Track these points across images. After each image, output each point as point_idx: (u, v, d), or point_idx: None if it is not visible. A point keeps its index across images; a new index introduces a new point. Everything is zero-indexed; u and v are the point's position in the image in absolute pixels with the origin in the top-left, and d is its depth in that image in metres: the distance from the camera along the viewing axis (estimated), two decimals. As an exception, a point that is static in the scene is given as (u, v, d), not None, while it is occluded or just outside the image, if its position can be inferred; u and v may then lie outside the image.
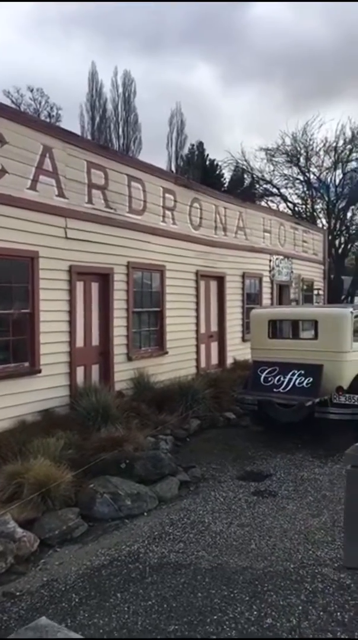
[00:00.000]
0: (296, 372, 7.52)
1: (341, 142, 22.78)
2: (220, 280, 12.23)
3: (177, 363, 10.26)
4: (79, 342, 8.00)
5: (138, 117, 31.65)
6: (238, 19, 47.96)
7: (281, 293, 15.44)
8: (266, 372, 7.79)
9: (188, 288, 10.93)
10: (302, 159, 23.55)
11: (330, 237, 21.76)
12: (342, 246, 24.32)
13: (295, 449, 7.24)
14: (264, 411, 7.66)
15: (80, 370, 8.05)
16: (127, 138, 32.90)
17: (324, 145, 22.99)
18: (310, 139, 23.06)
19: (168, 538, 4.51)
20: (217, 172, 33.89)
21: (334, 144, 22.78)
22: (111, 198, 8.56)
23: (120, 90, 30.98)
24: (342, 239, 24.67)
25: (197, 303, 11.23)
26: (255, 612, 3.34)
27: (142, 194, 9.35)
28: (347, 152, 22.72)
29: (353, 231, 24.26)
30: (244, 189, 26.94)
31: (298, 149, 23.36)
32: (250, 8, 49.35)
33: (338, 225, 24.11)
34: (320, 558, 4.09)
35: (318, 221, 24.34)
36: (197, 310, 11.23)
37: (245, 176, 27.64)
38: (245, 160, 24.71)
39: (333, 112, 50.83)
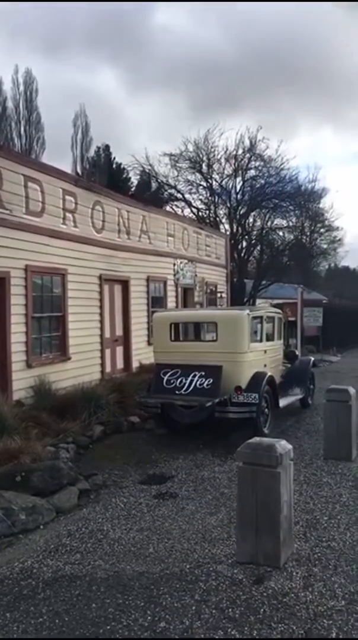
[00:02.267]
0: (197, 373, 7.66)
1: (240, 151, 23.75)
2: (125, 284, 12.17)
3: (81, 369, 10.04)
4: (-28, 350, 7.56)
5: (41, 117, 30.75)
6: (140, 26, 48.46)
7: (186, 296, 15.71)
8: (168, 374, 7.86)
9: (92, 292, 10.75)
10: (204, 166, 24.21)
11: (232, 242, 22.55)
12: (244, 251, 25.30)
13: (197, 450, 7.37)
14: (167, 413, 7.72)
15: (-27, 380, 7.60)
16: (29, 138, 31.84)
17: (225, 153, 23.83)
18: (211, 147, 23.78)
19: (64, 550, 4.37)
20: (124, 175, 33.79)
21: (234, 153, 23.69)
22: (6, 198, 8.19)
23: (22, 88, 29.94)
24: (244, 243, 25.68)
25: (101, 307, 11.08)
26: (149, 617, 3.32)
27: (40, 195, 9.05)
28: (246, 161, 23.72)
29: (254, 236, 25.34)
30: (151, 193, 27.17)
31: (201, 156, 24.01)
32: (152, 16, 50.00)
33: (240, 230, 25.06)
34: (215, 556, 4.17)
35: (221, 226, 25.15)
36: (101, 314, 11.09)
37: (152, 181, 27.88)
38: (150, 165, 24.94)
39: (233, 122, 52.98)
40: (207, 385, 7.54)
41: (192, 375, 7.67)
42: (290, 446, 4.09)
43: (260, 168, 24.04)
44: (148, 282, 13.16)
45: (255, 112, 48.67)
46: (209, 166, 24.17)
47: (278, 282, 26.01)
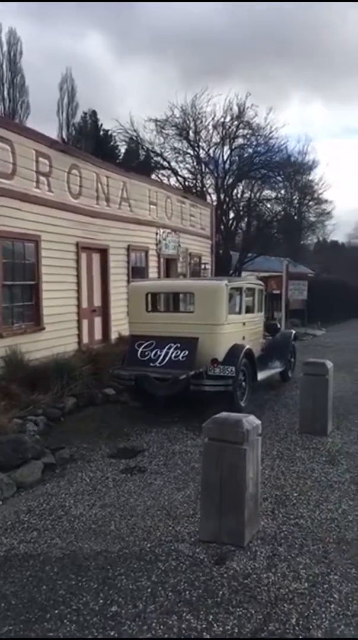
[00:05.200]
0: (172, 345, 7.42)
1: (228, 118, 23.06)
2: (104, 252, 11.79)
3: (55, 339, 9.73)
4: None
5: (25, 80, 29.67)
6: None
7: (168, 267, 15.36)
8: (143, 346, 7.62)
9: (68, 260, 10.36)
10: (191, 133, 23.52)
11: (218, 213, 22.08)
12: (230, 222, 24.86)
13: (171, 423, 7.18)
14: (142, 386, 7.50)
15: None
16: (13, 101, 30.79)
17: (213, 119, 23.12)
18: (198, 113, 23.05)
19: (21, 527, 4.16)
20: (112, 143, 32.86)
21: (222, 120, 23.00)
22: (-28, 158, 7.73)
23: (5, 48, 28.72)
24: (231, 214, 25.21)
25: (78, 276, 10.71)
26: (100, 601, 3.13)
27: (10, 156, 8.55)
28: (234, 129, 23.07)
29: (241, 208, 24.86)
30: (140, 162, 26.45)
31: (188, 122, 23.28)
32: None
33: (227, 201, 24.55)
34: (178, 533, 3.99)
35: (208, 197, 24.61)
36: (79, 283, 10.72)
37: (140, 149, 27.11)
38: (135, 130, 24.15)
39: (222, 90, 51.61)
40: (183, 357, 7.31)
41: (167, 347, 7.43)
42: (258, 421, 3.88)
43: (248, 136, 23.44)
44: (128, 251, 12.77)
45: (246, 82, 47.45)
46: (196, 133, 23.49)
47: (265, 254, 25.68)
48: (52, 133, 26.14)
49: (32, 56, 43.95)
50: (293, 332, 10.65)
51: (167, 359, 7.38)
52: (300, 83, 60.51)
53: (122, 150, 32.02)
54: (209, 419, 3.86)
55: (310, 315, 21.08)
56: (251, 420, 3.80)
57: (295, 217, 30.27)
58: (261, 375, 8.46)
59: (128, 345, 7.93)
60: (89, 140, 31.87)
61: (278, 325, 10.92)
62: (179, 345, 7.38)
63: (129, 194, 12.65)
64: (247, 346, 7.89)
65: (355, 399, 8.72)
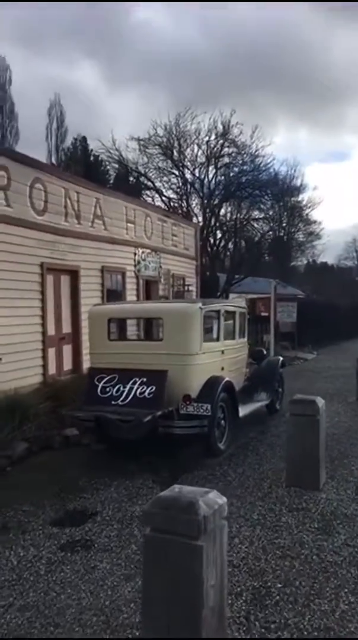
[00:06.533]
0: (137, 380, 6.34)
1: (213, 137, 22.40)
2: (74, 274, 10.77)
3: (15, 372, 8.63)
4: None
5: (14, 106, 29.82)
6: (120, 22, 47.17)
7: (149, 289, 14.35)
8: (104, 381, 6.53)
9: (30, 283, 9.32)
10: (175, 152, 22.82)
11: (205, 233, 21.22)
12: (218, 243, 24.02)
13: (137, 472, 6.03)
14: (103, 428, 6.38)
15: None
16: (2, 127, 30.62)
17: (197, 137, 22.46)
18: (182, 132, 22.37)
19: None
20: (102, 168, 32.44)
21: (206, 138, 22.34)
22: None
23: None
24: (219, 234, 24.39)
25: (43, 301, 9.67)
26: None
27: None
28: (219, 147, 22.38)
29: (228, 228, 24.05)
30: (130, 185, 25.77)
31: (171, 141, 22.59)
32: (131, 13, 48.88)
33: (213, 221, 23.75)
34: (114, 660, 2.86)
35: (195, 218, 23.81)
36: (44, 309, 9.68)
37: (130, 174, 26.43)
38: (117, 150, 23.42)
39: (207, 109, 51.84)
40: (149, 394, 6.22)
41: (131, 382, 6.35)
42: (222, 500, 2.79)
43: (233, 155, 22.74)
44: (103, 272, 11.75)
45: (235, 110, 47.80)
46: (181, 152, 22.78)
47: (254, 276, 24.80)
48: (42, 158, 25.64)
49: (22, 85, 44.05)
50: (281, 358, 9.59)
51: (131, 396, 6.29)
52: (286, 112, 61.41)
53: (112, 175, 31.54)
54: (153, 498, 2.77)
55: (301, 338, 20.09)
56: (211, 501, 2.71)
57: (284, 238, 29.56)
58: (243, 411, 7.38)
59: (87, 380, 6.83)
60: (78, 165, 31.56)
61: (265, 352, 9.87)
62: (145, 379, 6.30)
63: (103, 211, 11.72)
64: (227, 378, 6.83)
65: (351, 436, 7.64)
